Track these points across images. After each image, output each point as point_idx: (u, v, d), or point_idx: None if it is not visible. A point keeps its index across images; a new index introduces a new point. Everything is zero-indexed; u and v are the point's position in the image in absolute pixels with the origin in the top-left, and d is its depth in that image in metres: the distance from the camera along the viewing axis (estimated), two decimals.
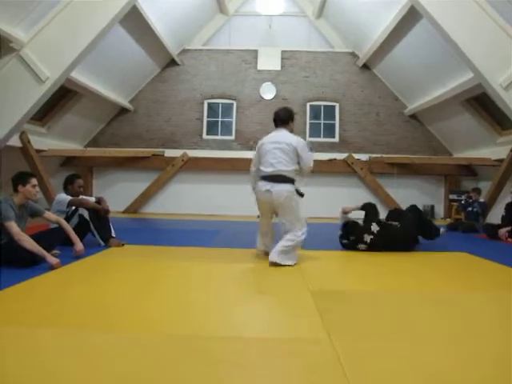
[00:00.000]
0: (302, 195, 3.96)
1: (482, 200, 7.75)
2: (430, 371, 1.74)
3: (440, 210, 10.02)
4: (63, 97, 8.45)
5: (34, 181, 3.80)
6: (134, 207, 9.99)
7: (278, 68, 10.70)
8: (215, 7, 10.60)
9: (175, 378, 1.66)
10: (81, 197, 4.86)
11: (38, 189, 3.86)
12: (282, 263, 3.78)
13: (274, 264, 3.76)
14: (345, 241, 4.74)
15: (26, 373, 1.66)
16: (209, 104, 10.76)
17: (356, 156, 9.72)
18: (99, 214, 4.70)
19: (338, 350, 1.89)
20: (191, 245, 5.04)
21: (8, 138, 6.65)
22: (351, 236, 4.66)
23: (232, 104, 10.74)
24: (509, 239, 5.88)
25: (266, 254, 4.08)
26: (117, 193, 9.77)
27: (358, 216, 4.97)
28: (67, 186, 4.89)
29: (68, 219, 4.50)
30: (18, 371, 1.68)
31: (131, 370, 1.70)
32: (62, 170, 9.39)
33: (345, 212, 4.93)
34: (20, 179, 3.73)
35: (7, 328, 2.14)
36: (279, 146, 3.95)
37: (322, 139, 10.45)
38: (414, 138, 10.33)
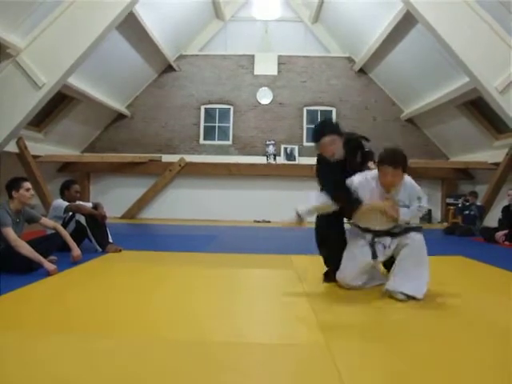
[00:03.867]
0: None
1: (478, 203, 7.77)
2: (426, 375, 1.75)
3: (437, 214, 10.04)
4: (60, 103, 8.45)
5: (27, 184, 3.75)
6: (132, 213, 9.97)
7: (275, 73, 10.74)
8: (212, 13, 10.64)
9: (176, 382, 1.66)
10: (78, 202, 4.85)
11: (32, 192, 3.81)
12: None
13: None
14: None
15: (24, 379, 1.65)
16: (206, 109, 10.78)
17: None
18: (96, 220, 4.69)
19: (335, 356, 1.89)
20: (189, 250, 5.04)
21: (5, 143, 6.64)
22: None
23: (229, 109, 10.76)
24: (506, 242, 5.89)
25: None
26: (114, 198, 9.74)
27: None
28: (64, 192, 4.88)
29: (65, 225, 4.48)
30: (17, 377, 1.67)
31: (132, 375, 1.69)
32: (59, 175, 9.37)
33: None
34: (13, 185, 3.70)
35: (5, 333, 2.14)
36: None
37: None
38: (411, 142, 10.34)
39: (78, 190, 5.00)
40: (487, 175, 8.58)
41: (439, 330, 2.33)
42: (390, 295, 2.89)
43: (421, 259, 2.98)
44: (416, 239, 2.99)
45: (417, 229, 3.04)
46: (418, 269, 2.94)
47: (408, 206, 3.00)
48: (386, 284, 2.98)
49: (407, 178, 3.04)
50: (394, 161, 2.86)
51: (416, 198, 3.02)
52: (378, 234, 3.05)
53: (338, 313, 2.59)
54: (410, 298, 2.87)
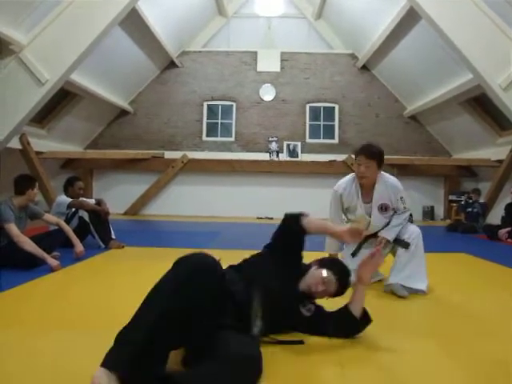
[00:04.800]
0: None
1: (481, 201, 7.75)
2: (428, 371, 1.75)
3: (440, 211, 10.02)
4: (63, 99, 8.44)
5: (37, 184, 3.93)
6: (134, 209, 9.99)
7: (278, 69, 10.71)
8: (214, 9, 10.62)
9: None
10: (81, 199, 4.87)
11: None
12: None
13: None
14: None
15: (27, 375, 1.66)
16: (208, 106, 10.77)
17: None
18: (99, 216, 4.71)
19: (338, 351, 1.90)
20: (192, 246, 5.02)
21: (8, 140, 6.65)
22: None
23: (232, 106, 10.75)
24: (509, 240, 5.89)
25: None
26: (117, 195, 9.76)
27: None
28: (67, 188, 4.90)
29: (68, 221, 4.51)
30: (20, 373, 1.68)
31: None
32: (62, 172, 9.39)
33: None
34: (29, 183, 3.81)
35: (7, 330, 2.15)
36: None
37: (321, 140, 10.47)
38: (414, 139, 10.33)
39: (82, 187, 5.03)
40: (490, 172, 8.55)
41: (442, 327, 2.33)
42: (392, 291, 2.90)
43: (418, 253, 2.99)
44: (412, 237, 3.00)
45: (405, 244, 3.02)
46: (417, 262, 2.95)
47: (391, 208, 3.08)
48: (387, 280, 2.99)
49: (389, 177, 3.09)
50: (368, 151, 2.95)
51: (399, 197, 3.10)
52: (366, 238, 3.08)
53: None
54: (411, 292, 2.87)
